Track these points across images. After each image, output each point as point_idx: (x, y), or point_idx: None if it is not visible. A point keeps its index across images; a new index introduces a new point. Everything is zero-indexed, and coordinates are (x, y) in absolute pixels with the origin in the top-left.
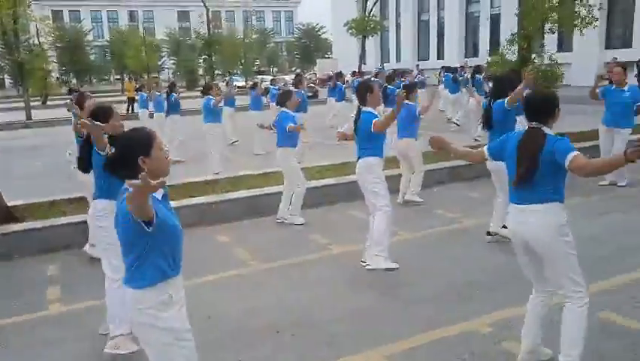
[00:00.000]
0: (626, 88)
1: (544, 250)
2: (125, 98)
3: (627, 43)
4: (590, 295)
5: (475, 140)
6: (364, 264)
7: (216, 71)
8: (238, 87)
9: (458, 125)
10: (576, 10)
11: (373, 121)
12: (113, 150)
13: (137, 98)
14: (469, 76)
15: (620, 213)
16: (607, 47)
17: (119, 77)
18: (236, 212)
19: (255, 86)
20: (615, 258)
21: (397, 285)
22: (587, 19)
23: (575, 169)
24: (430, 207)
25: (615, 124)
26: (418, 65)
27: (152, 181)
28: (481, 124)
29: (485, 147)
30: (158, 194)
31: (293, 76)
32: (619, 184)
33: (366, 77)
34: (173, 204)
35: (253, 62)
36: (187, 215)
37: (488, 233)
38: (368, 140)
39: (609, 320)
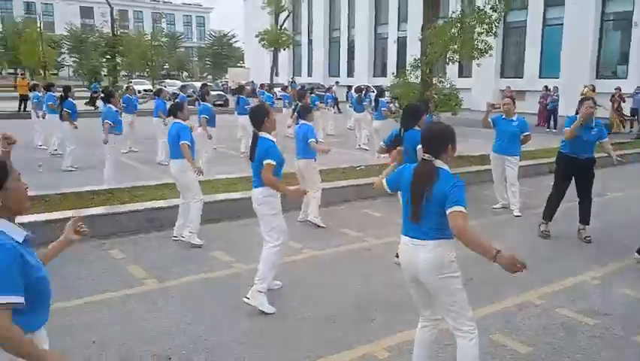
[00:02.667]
0: (514, 118)
1: (432, 285)
2: (17, 95)
3: (519, 74)
4: (483, 317)
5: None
6: (246, 300)
7: (122, 72)
8: (145, 91)
9: (367, 149)
10: (475, 42)
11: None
12: None
13: (30, 96)
14: (372, 97)
15: (509, 237)
16: (502, 76)
17: (12, 71)
18: (133, 225)
19: (159, 92)
20: (504, 281)
21: (298, 305)
22: (484, 49)
23: (450, 221)
24: (336, 225)
25: (504, 152)
26: (338, 82)
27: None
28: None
29: (384, 179)
30: (19, 237)
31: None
32: (515, 214)
33: (275, 89)
34: (59, 214)
35: (162, 65)
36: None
37: (397, 255)
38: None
39: (499, 343)
